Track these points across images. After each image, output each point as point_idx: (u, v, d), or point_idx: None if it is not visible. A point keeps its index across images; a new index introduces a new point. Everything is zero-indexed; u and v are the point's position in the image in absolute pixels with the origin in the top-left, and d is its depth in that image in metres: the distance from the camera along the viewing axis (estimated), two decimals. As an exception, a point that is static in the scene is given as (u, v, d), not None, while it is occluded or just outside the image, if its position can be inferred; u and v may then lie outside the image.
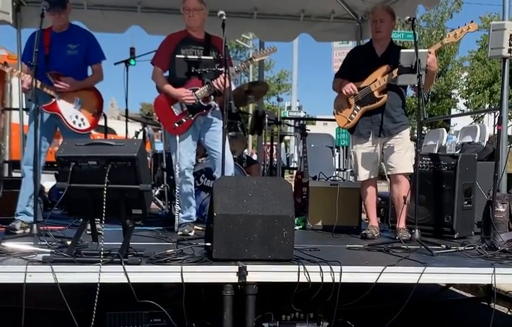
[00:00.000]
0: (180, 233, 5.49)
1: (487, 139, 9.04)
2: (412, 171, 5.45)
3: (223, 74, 5.31)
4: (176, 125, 5.59)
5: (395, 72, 5.39)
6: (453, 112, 30.92)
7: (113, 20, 8.48)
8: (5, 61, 5.78)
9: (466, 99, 30.74)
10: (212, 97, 5.59)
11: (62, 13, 5.47)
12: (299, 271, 3.89)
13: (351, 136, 6.00)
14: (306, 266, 3.91)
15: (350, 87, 5.61)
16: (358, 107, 5.65)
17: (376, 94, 5.56)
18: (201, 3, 5.59)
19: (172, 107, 5.59)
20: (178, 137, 5.60)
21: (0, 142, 10.78)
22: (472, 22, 5.30)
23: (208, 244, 4.17)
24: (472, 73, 29.79)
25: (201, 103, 5.54)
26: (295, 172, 7.76)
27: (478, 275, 4.27)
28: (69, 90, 5.48)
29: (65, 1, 5.48)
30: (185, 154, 5.60)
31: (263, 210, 4.07)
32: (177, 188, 5.72)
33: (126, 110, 8.02)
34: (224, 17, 5.20)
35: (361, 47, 6.18)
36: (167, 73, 5.78)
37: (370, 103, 5.59)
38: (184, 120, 5.58)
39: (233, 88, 5.74)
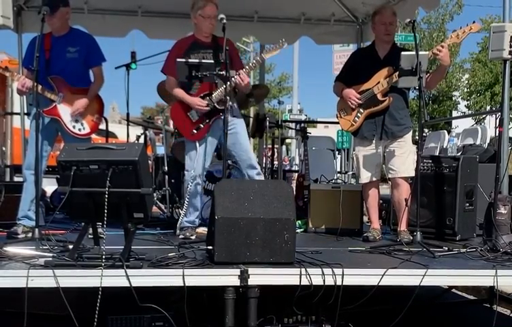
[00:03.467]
0: (181, 236, 5.49)
1: (488, 141, 9.05)
2: (414, 174, 5.45)
3: (241, 71, 5.40)
4: (194, 131, 5.61)
5: (396, 75, 5.40)
6: (454, 114, 30.96)
7: (114, 24, 8.50)
8: (6, 66, 5.79)
9: (467, 101, 30.78)
10: (228, 97, 5.61)
11: (53, 17, 5.43)
12: (300, 274, 3.88)
13: (354, 139, 5.98)
14: (307, 269, 3.90)
15: (354, 97, 5.61)
16: (361, 110, 5.64)
17: (379, 96, 5.55)
18: (217, 9, 5.61)
19: (189, 114, 5.60)
20: (197, 143, 5.61)
21: (1, 147, 10.79)
22: (474, 22, 5.29)
23: (210, 247, 4.16)
24: (473, 75, 29.81)
25: (217, 106, 5.56)
26: (296, 174, 7.77)
27: (480, 277, 4.27)
28: (73, 96, 5.50)
29: (54, 6, 5.39)
30: (201, 160, 5.62)
31: (265, 213, 4.06)
32: (187, 192, 5.68)
33: (128, 114, 8.03)
34: (224, 20, 5.21)
35: (363, 49, 6.18)
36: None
37: (373, 105, 5.58)
38: (202, 126, 5.60)
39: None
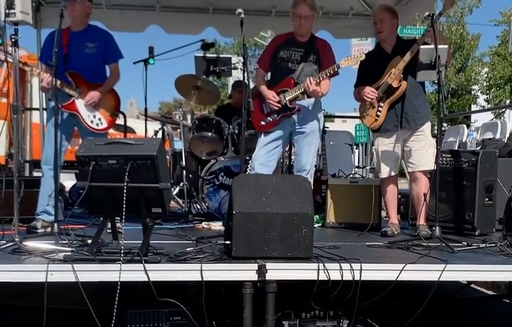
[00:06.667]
0: None
1: (508, 135, 8.96)
2: (434, 167, 5.42)
3: (311, 78, 5.44)
4: (262, 123, 5.73)
5: (405, 58, 5.45)
6: (474, 108, 30.67)
7: (132, 19, 8.52)
8: (25, 61, 5.82)
9: (486, 94, 30.44)
10: (306, 96, 5.64)
11: (75, 3, 5.47)
12: (318, 269, 3.87)
13: (374, 134, 5.95)
14: (325, 264, 3.89)
15: (370, 91, 5.62)
16: (382, 104, 5.66)
17: (394, 84, 5.58)
18: (312, 9, 5.66)
19: (263, 105, 5.72)
20: (263, 135, 5.73)
21: (21, 142, 10.87)
22: None
23: (228, 242, 4.16)
24: (493, 69, 29.45)
25: (288, 104, 5.60)
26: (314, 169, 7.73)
27: (499, 272, 4.23)
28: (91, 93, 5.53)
29: None
30: (262, 152, 5.69)
31: (283, 208, 4.05)
32: None
33: (146, 109, 8.04)
34: (242, 15, 5.21)
35: (371, 52, 6.18)
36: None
37: (391, 94, 5.61)
38: (270, 120, 5.69)
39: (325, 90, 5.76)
